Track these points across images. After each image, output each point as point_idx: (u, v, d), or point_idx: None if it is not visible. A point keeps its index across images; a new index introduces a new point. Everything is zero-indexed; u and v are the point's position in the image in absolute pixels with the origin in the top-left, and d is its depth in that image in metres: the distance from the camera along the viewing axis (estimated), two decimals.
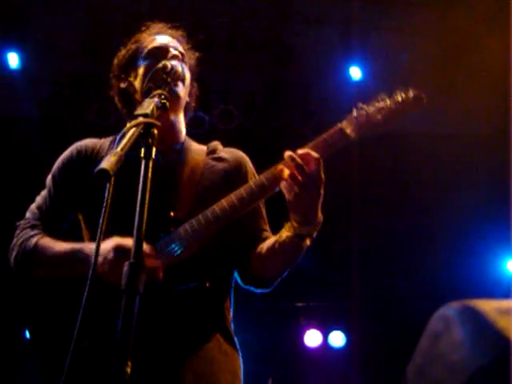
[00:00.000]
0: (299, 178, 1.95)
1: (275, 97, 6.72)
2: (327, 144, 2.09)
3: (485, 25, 5.81)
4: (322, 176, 1.98)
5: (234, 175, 2.37)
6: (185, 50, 2.51)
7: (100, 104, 6.15)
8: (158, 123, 1.64)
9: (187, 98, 2.47)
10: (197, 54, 2.58)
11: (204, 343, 2.21)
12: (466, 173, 6.54)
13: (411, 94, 2.14)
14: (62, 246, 2.24)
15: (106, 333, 2.07)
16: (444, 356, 0.87)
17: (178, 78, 2.26)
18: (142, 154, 1.57)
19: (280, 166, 2.04)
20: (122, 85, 2.45)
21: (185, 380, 2.13)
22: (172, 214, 2.19)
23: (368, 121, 2.10)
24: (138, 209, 1.49)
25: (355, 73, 6.48)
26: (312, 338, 6.78)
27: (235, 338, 2.34)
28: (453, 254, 6.55)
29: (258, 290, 2.33)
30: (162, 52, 2.37)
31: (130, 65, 2.45)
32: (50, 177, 2.44)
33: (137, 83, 2.38)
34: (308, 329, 6.80)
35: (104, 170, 1.43)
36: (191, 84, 2.50)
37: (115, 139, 2.40)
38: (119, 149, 1.50)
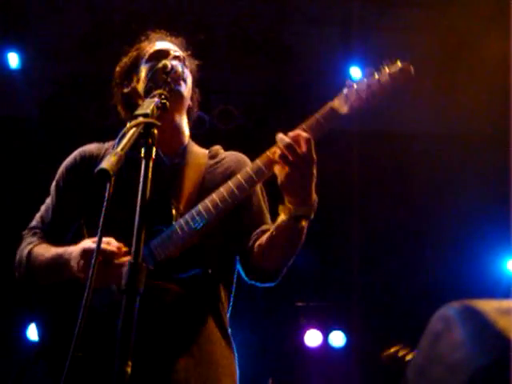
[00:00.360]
0: (290, 157, 1.95)
1: (275, 96, 6.72)
2: (319, 123, 2.10)
3: (485, 24, 5.81)
4: (314, 156, 1.98)
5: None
6: (186, 55, 2.54)
7: (100, 104, 6.14)
8: (158, 123, 1.64)
9: (190, 102, 2.49)
10: (197, 62, 2.60)
11: (206, 345, 2.22)
12: (467, 172, 6.54)
13: (398, 66, 2.13)
14: (49, 253, 2.26)
15: (103, 334, 2.08)
16: (444, 356, 0.87)
17: (178, 77, 2.27)
18: (142, 154, 1.57)
19: (273, 149, 2.05)
20: (125, 90, 2.47)
21: (191, 381, 2.14)
22: (174, 210, 2.21)
23: (358, 97, 2.10)
24: (138, 208, 1.49)
25: (355, 73, 6.48)
26: (312, 337, 6.77)
27: (232, 340, 2.35)
28: (453, 253, 6.54)
29: (263, 285, 2.33)
30: (163, 54, 2.38)
31: (131, 71, 2.48)
32: (53, 184, 2.46)
33: (139, 87, 2.39)
34: (308, 329, 6.80)
35: (104, 170, 1.43)
36: (192, 89, 2.52)
37: None
38: (119, 149, 1.50)
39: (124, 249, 2.09)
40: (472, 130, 6.62)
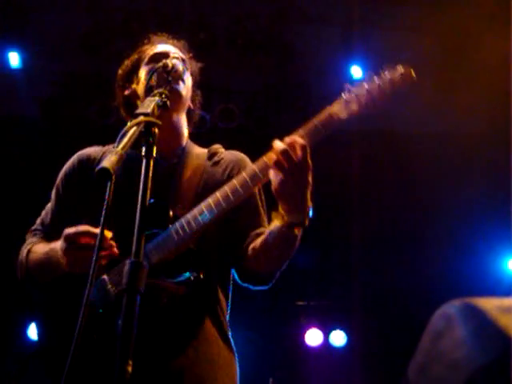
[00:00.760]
0: (285, 164, 1.92)
1: (276, 96, 6.72)
2: (317, 129, 2.06)
3: (485, 24, 5.81)
4: (309, 162, 1.94)
5: (233, 178, 2.37)
6: (187, 58, 2.53)
7: (101, 103, 6.14)
8: (159, 122, 1.63)
9: (190, 103, 2.48)
10: (200, 65, 2.60)
11: (205, 346, 2.22)
12: (467, 172, 6.54)
13: (398, 70, 2.10)
14: (43, 249, 2.27)
15: (99, 334, 2.09)
16: (445, 354, 0.87)
17: (178, 76, 2.26)
18: (143, 153, 1.57)
19: (269, 154, 2.02)
20: (126, 92, 2.47)
21: (187, 382, 2.14)
22: (171, 213, 2.21)
23: (358, 102, 2.07)
24: (138, 207, 1.49)
25: (356, 72, 6.48)
26: (313, 337, 6.78)
27: (232, 341, 2.34)
28: (453, 252, 6.54)
29: (256, 288, 2.32)
30: (163, 56, 2.37)
31: (132, 73, 2.48)
32: (54, 189, 2.46)
33: (139, 89, 2.39)
34: (309, 328, 6.80)
35: (105, 169, 1.43)
36: (194, 91, 2.51)
37: None
38: (120, 148, 1.50)
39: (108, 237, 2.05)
40: (472, 130, 6.62)
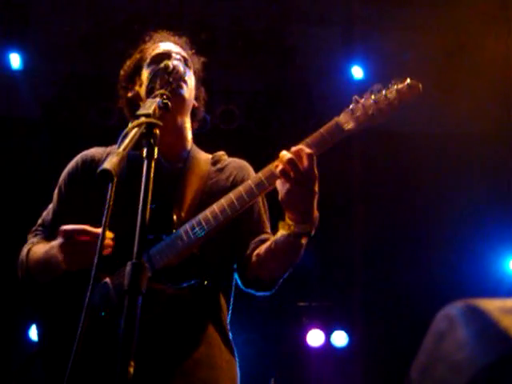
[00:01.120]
0: (291, 173, 1.93)
1: (277, 96, 6.72)
2: (324, 139, 2.06)
3: (485, 24, 5.81)
4: (316, 172, 1.95)
5: (237, 185, 2.35)
6: (189, 55, 2.52)
7: (102, 104, 6.15)
8: (160, 123, 1.63)
9: (194, 102, 2.48)
10: (202, 59, 2.59)
11: (206, 349, 2.22)
12: (468, 172, 6.54)
13: (406, 83, 2.11)
14: (43, 249, 2.26)
15: (101, 336, 2.08)
16: (448, 356, 0.87)
17: (180, 77, 2.26)
18: (144, 154, 1.57)
19: (276, 163, 2.02)
20: (129, 94, 2.47)
21: None
22: (175, 217, 2.20)
23: (365, 113, 2.08)
24: (140, 208, 1.49)
25: (357, 72, 6.48)
26: (314, 337, 6.77)
27: (233, 344, 2.34)
28: (455, 253, 6.54)
29: (259, 293, 2.32)
30: (164, 57, 2.36)
31: (135, 74, 2.47)
32: (56, 189, 2.46)
33: (141, 90, 2.39)
34: (310, 328, 6.80)
35: (106, 171, 1.42)
36: (198, 88, 2.51)
37: None
38: (121, 149, 1.49)
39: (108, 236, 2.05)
40: (472, 130, 6.62)
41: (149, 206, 1.49)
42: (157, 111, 1.74)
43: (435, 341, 0.90)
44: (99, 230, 1.99)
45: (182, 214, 2.22)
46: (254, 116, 6.65)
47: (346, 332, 6.82)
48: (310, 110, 6.64)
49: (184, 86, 2.33)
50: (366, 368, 6.69)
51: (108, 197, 1.46)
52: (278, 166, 1.98)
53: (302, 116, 6.66)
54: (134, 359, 1.34)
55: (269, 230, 2.38)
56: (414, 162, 6.48)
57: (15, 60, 6.22)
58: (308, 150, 1.95)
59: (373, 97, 2.10)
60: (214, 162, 2.48)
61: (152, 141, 1.58)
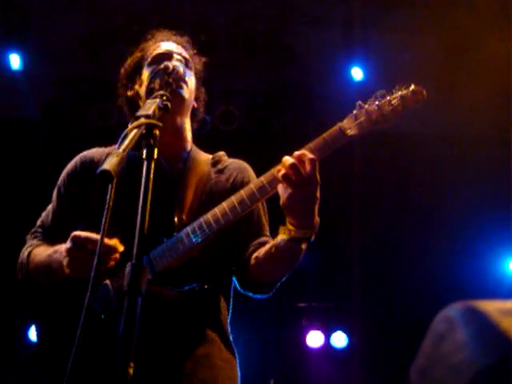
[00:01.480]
0: (293, 178, 1.92)
1: (277, 97, 6.72)
2: (327, 144, 2.06)
3: (486, 24, 5.81)
4: (317, 177, 1.94)
5: (237, 187, 2.35)
6: (190, 55, 2.51)
7: (102, 105, 6.15)
8: (160, 124, 1.63)
9: (194, 103, 2.47)
10: (203, 59, 2.58)
11: (206, 349, 2.22)
12: (467, 173, 6.54)
13: (410, 89, 2.11)
14: (45, 252, 2.25)
15: (100, 338, 2.08)
16: (447, 357, 0.87)
17: (179, 78, 2.25)
18: (144, 155, 1.56)
19: (278, 167, 2.01)
20: (129, 93, 2.46)
21: None
22: (176, 220, 2.20)
23: (368, 119, 2.08)
24: (139, 210, 1.49)
25: (357, 73, 6.48)
26: (314, 338, 6.77)
27: (233, 345, 2.34)
28: (455, 254, 6.54)
29: (257, 296, 2.32)
30: (165, 57, 2.36)
31: (135, 73, 2.46)
32: (55, 190, 2.45)
33: (141, 90, 2.38)
34: (310, 329, 6.80)
35: (106, 172, 1.42)
36: (198, 89, 2.50)
37: None
38: (121, 150, 1.49)
39: (119, 247, 2.04)
40: (473, 130, 6.62)
41: (149, 207, 1.49)
42: (157, 112, 1.73)
43: (435, 342, 0.90)
44: (112, 242, 2.00)
45: (183, 216, 2.22)
46: (254, 116, 6.64)
47: (346, 333, 6.82)
48: (310, 111, 6.64)
49: (184, 86, 2.32)
50: (366, 369, 6.69)
51: (108, 198, 1.46)
52: (280, 171, 1.97)
53: (301, 117, 6.66)
54: (134, 360, 1.34)
55: (268, 233, 2.37)
56: (414, 162, 6.48)
57: (15, 60, 6.22)
58: (310, 156, 1.94)
59: (377, 102, 2.10)
60: (214, 163, 2.48)
61: (152, 142, 1.58)
